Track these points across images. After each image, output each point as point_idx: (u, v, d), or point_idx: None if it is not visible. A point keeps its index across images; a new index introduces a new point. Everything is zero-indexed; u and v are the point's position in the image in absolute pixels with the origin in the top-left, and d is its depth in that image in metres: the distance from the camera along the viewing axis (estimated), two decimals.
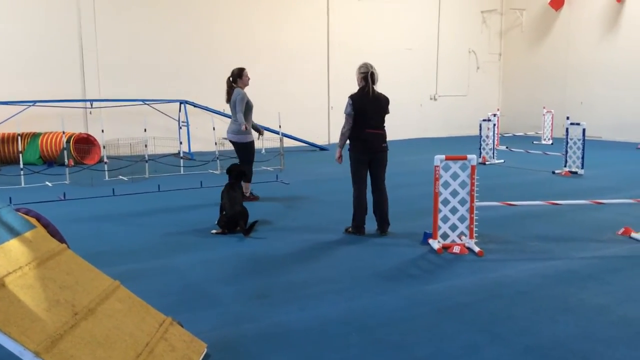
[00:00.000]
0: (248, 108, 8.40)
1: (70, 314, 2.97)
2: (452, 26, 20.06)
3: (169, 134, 14.12)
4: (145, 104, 14.07)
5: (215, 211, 7.15)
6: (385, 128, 6.61)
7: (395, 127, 14.10)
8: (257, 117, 13.89)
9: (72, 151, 12.34)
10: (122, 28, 14.66)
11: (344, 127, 6.51)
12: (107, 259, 5.55)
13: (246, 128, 8.27)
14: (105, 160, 10.89)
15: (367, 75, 6.39)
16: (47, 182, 10.31)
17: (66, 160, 10.66)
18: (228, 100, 8.47)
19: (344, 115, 6.48)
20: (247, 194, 8.44)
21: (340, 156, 6.66)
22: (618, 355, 3.59)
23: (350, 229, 6.65)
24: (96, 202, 8.67)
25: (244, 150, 8.48)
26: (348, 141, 6.59)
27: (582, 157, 11.01)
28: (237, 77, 8.40)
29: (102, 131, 11.05)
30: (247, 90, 8.51)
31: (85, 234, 6.66)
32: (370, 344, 3.78)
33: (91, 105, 14.01)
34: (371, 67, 6.44)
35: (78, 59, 14.30)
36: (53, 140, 12.71)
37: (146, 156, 10.97)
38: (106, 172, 10.73)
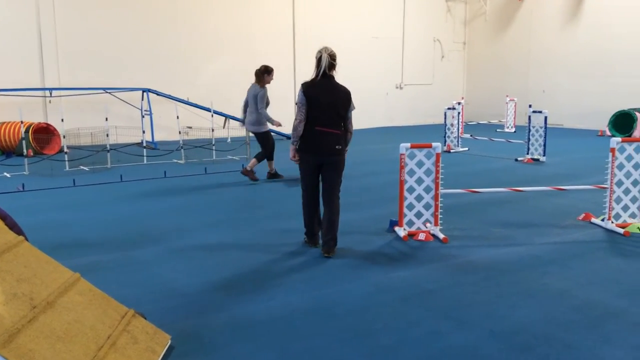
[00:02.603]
0: (267, 104, 9.21)
1: (29, 308, 2.88)
2: (417, 15, 20.18)
3: (132, 123, 13.87)
4: (107, 92, 13.78)
5: (181, 202, 7.05)
6: (351, 126, 5.49)
7: (362, 116, 14.12)
8: (223, 107, 13.93)
9: (31, 141, 12.03)
10: (82, 15, 14.32)
11: (295, 118, 5.35)
12: (68, 251, 5.44)
13: (279, 124, 9.27)
14: (66, 150, 10.64)
15: (321, 60, 5.32)
16: (5, 173, 10.04)
17: (25, 151, 10.40)
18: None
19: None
20: (272, 171, 9.57)
21: (295, 154, 5.52)
22: (578, 338, 3.66)
23: (305, 240, 5.84)
24: (56, 193, 8.48)
25: (263, 138, 9.32)
26: None
27: (544, 145, 11.22)
28: (265, 74, 8.96)
29: (62, 120, 10.80)
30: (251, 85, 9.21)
31: (44, 225, 6.50)
32: (337, 333, 3.78)
33: (50, 94, 13.66)
34: (326, 50, 5.31)
35: (36, 46, 13.91)
36: (11, 130, 12.36)
37: (108, 146, 10.77)
38: (66, 162, 10.51)
